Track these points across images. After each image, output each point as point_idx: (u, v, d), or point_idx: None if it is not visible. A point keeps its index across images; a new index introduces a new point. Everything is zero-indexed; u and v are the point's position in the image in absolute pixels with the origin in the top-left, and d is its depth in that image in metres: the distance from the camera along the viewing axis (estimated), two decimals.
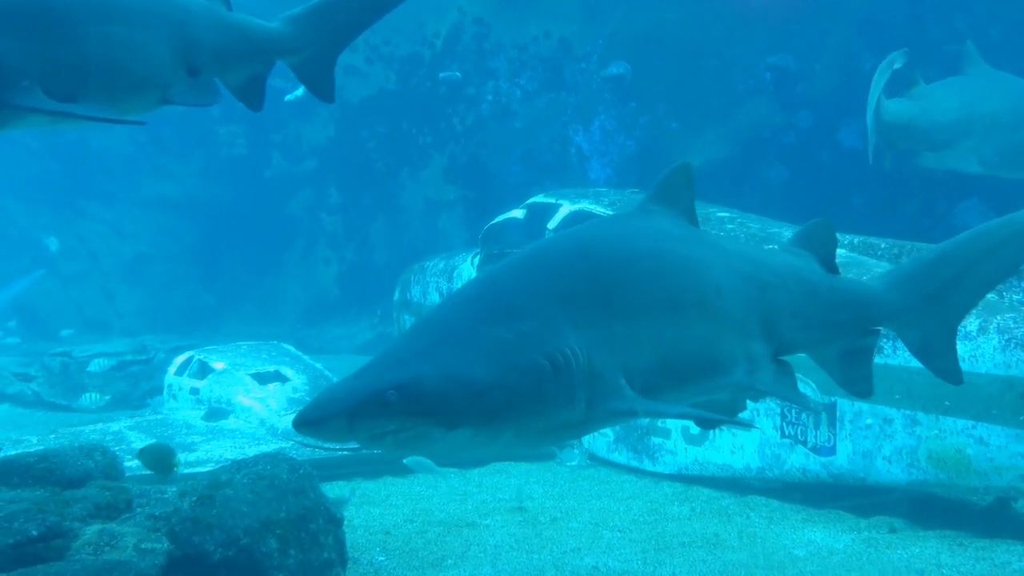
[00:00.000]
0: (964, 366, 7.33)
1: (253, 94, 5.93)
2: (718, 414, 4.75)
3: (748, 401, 8.68)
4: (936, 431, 7.53)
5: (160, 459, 7.89)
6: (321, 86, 6.11)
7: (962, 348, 7.38)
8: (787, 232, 9.24)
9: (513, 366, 3.77)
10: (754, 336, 4.67)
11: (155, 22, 5.08)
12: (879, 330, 5.40)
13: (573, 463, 10.02)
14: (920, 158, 11.07)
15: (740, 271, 4.70)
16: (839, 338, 5.25)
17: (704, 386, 4.44)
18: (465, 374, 3.70)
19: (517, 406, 3.78)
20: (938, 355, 5.49)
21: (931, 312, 5.37)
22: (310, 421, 3.66)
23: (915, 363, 7.58)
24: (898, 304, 5.33)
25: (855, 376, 5.38)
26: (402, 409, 3.61)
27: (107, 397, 13.48)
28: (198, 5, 5.42)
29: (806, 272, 5.12)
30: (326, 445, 9.17)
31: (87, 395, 13.48)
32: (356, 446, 7.03)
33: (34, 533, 5.25)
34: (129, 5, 4.95)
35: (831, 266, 5.29)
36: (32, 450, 6.94)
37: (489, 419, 3.74)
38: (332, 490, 7.76)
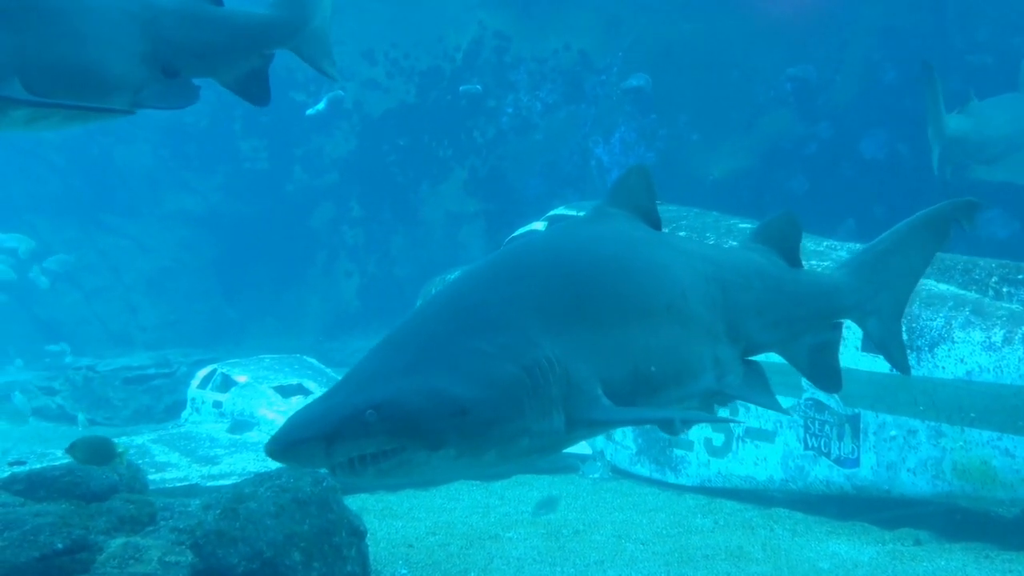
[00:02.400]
0: (989, 377, 7.34)
1: (254, 89, 5.68)
2: (698, 414, 4.69)
3: (769, 414, 8.67)
4: (961, 443, 7.48)
5: (95, 451, 7.66)
6: (326, 64, 5.91)
7: (987, 359, 7.36)
8: (809, 243, 9.21)
9: (494, 380, 3.60)
10: (721, 339, 4.59)
11: (117, 22, 4.89)
12: (843, 322, 5.38)
13: (595, 475, 10.00)
14: (971, 171, 11.49)
15: (703, 273, 4.61)
16: (806, 332, 5.19)
17: (676, 393, 4.32)
18: (446, 390, 3.51)
19: (500, 422, 3.59)
20: (891, 343, 5.53)
21: (885, 300, 5.40)
22: (284, 446, 3.43)
23: (939, 374, 7.59)
24: (860, 293, 5.32)
25: (823, 370, 5.34)
26: (382, 429, 3.38)
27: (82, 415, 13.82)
28: (171, 3, 5.22)
29: (768, 268, 5.03)
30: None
31: (80, 416, 13.78)
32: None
33: (60, 546, 5.30)
34: (87, 5, 4.78)
35: (794, 259, 5.21)
36: (57, 464, 6.98)
37: (472, 437, 3.53)
38: (354, 502, 7.76)
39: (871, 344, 7.98)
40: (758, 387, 4.82)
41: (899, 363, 5.61)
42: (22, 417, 11.01)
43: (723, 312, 4.61)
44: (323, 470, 6.31)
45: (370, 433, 3.37)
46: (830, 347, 5.31)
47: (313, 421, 3.45)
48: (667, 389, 4.25)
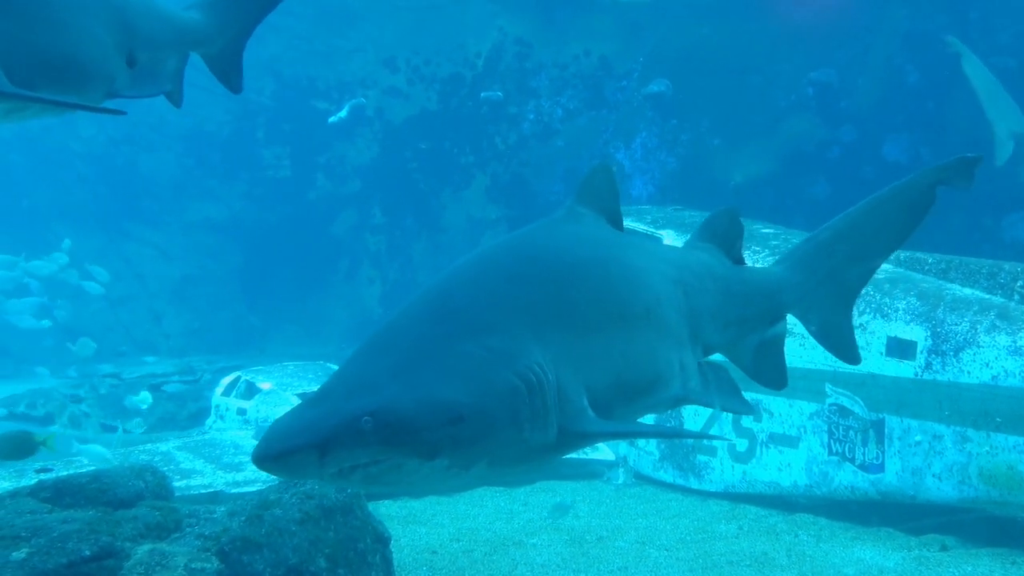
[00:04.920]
0: (1014, 382, 7.29)
1: (175, 89, 5.55)
2: (690, 432, 4.55)
3: (793, 419, 8.65)
4: (987, 448, 7.44)
5: (13, 446, 7.58)
6: (232, 77, 5.79)
7: (1013, 363, 7.32)
8: None
9: (489, 387, 3.40)
10: (685, 344, 4.46)
11: (97, 10, 4.74)
12: (786, 316, 5.27)
13: (619, 481, 9.99)
14: None
15: (669, 276, 4.50)
16: (752, 331, 5.10)
17: (649, 401, 4.18)
18: (442, 397, 3.31)
19: (495, 431, 3.40)
20: (836, 335, 5.37)
21: (829, 292, 5.26)
22: (274, 455, 3.15)
23: (964, 379, 7.55)
24: (801, 287, 5.20)
25: (768, 368, 5.21)
26: (378, 438, 3.17)
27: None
28: None
29: (718, 269, 4.95)
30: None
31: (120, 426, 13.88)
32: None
33: (87, 553, 5.32)
34: None
35: (737, 257, 5.14)
36: (84, 471, 7.03)
37: (466, 446, 3.33)
38: (377, 508, 7.78)
39: (894, 348, 7.97)
40: (724, 390, 4.70)
41: (845, 356, 5.41)
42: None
43: (686, 316, 4.51)
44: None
45: (366, 442, 3.17)
46: (774, 343, 5.21)
47: (304, 428, 3.19)
48: (643, 397, 4.12)
